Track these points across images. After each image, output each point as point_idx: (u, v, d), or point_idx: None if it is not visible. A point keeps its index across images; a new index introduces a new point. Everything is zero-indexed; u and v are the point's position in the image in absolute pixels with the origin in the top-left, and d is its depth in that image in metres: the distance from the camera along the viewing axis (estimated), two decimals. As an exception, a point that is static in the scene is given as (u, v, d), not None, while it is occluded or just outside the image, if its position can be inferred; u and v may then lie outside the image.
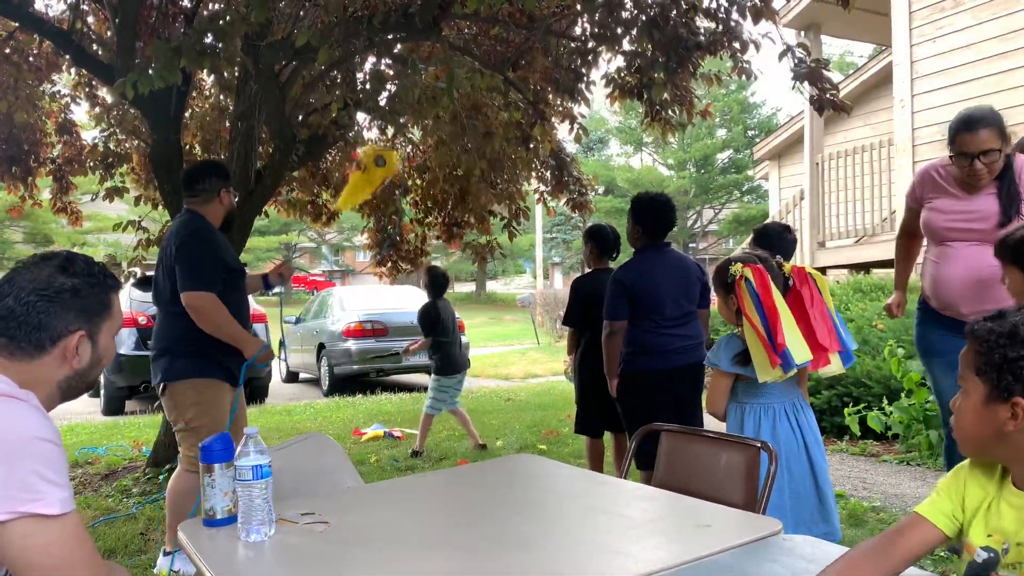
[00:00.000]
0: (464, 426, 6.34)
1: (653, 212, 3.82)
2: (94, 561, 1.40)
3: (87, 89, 6.94)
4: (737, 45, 4.63)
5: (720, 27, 4.66)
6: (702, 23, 4.87)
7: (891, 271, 8.35)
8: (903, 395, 5.32)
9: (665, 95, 5.21)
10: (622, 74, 5.61)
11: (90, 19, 6.05)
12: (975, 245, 3.06)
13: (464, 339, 11.59)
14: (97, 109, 6.93)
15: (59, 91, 7.11)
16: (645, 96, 5.35)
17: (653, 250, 3.81)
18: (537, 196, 7.71)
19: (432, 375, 6.23)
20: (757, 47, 4.62)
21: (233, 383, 3.46)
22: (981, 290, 2.99)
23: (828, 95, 4.61)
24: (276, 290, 4.11)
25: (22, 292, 1.50)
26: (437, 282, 6.25)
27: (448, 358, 6.16)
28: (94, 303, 1.56)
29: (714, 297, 3.24)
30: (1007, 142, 2.99)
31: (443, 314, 6.16)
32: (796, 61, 4.59)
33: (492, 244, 7.69)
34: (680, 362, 3.69)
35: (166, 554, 3.50)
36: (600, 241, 4.57)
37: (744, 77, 4.83)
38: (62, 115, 7.12)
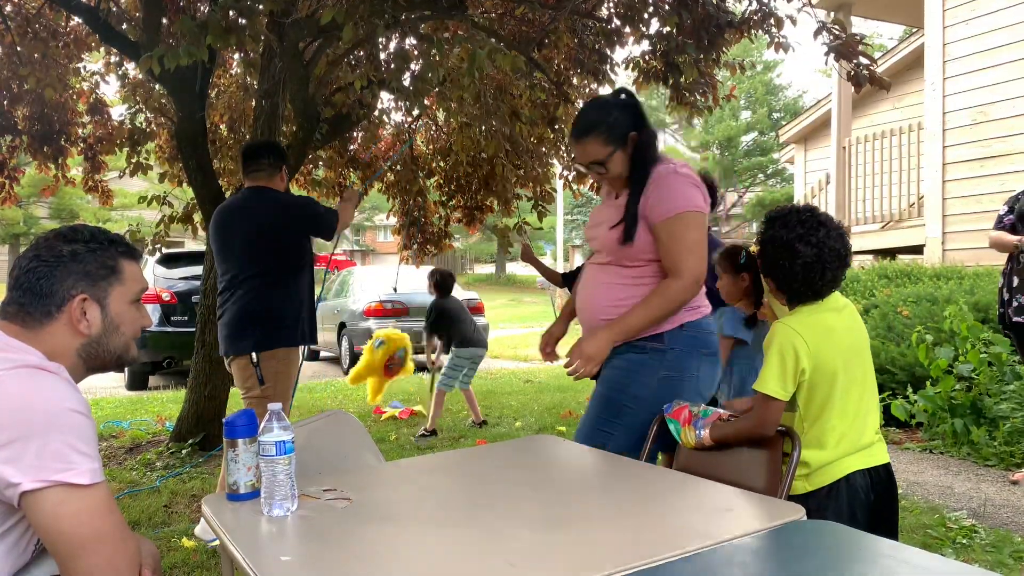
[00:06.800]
0: (469, 404, 6.50)
1: None
2: (122, 531, 1.42)
3: (118, 69, 6.99)
4: (772, 21, 4.57)
5: (753, 3, 4.61)
6: (731, 4, 4.82)
7: (918, 257, 8.27)
8: (928, 383, 5.26)
9: (691, 79, 5.16)
10: (647, 58, 5.55)
11: (117, -5, 6.07)
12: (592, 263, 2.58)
13: (483, 320, 11.67)
14: (126, 88, 6.97)
15: (85, 66, 7.16)
16: (671, 80, 5.30)
17: None
18: (562, 180, 7.69)
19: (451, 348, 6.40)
20: (793, 22, 4.56)
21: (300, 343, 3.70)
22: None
23: (865, 70, 4.55)
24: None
25: (24, 261, 1.53)
26: (445, 283, 6.41)
27: (462, 335, 6.30)
28: (96, 266, 1.56)
29: None
30: (625, 144, 2.39)
31: (452, 308, 6.34)
32: (831, 37, 4.53)
33: (520, 224, 7.67)
34: None
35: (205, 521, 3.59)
36: None
37: (783, 51, 4.77)
38: (92, 95, 7.17)
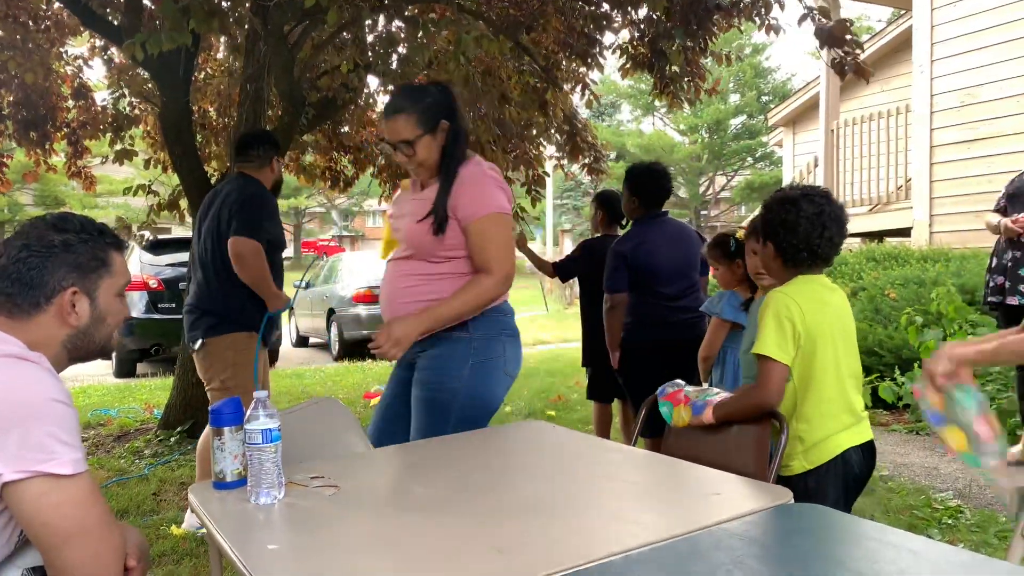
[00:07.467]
0: None
1: (649, 182, 3.81)
2: (107, 522, 1.40)
3: (103, 54, 6.90)
4: (761, 5, 4.55)
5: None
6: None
7: (905, 239, 8.30)
8: (915, 365, 5.29)
9: (676, 67, 5.13)
10: (634, 44, 5.52)
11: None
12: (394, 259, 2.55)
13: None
14: (111, 72, 6.89)
15: (67, 51, 7.06)
16: (656, 68, 5.28)
17: (652, 220, 3.79)
18: (554, 162, 7.65)
19: None
20: (782, 6, 4.54)
21: (264, 343, 3.54)
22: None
23: (850, 58, 4.54)
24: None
25: (12, 249, 1.50)
26: None
27: None
28: (87, 258, 1.53)
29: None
30: (435, 131, 2.41)
31: None
32: (817, 22, 4.51)
33: (515, 212, 7.64)
34: (681, 334, 3.67)
35: (192, 511, 3.55)
36: (609, 208, 4.53)
37: (775, 34, 4.75)
38: (76, 79, 7.09)
